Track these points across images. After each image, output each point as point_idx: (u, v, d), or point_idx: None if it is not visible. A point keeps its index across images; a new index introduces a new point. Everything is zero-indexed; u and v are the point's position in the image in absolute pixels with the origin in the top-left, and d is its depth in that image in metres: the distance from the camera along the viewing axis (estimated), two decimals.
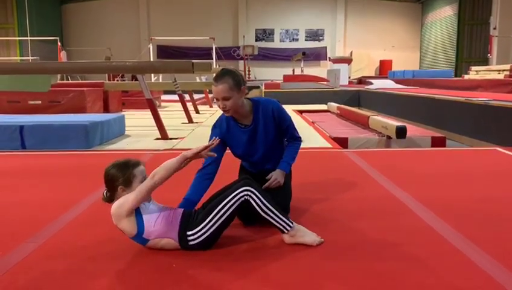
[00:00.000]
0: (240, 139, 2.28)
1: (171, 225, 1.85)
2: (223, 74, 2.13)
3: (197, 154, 1.90)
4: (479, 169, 3.59)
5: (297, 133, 2.42)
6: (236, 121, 2.27)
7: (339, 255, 1.84)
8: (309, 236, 1.94)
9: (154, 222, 1.83)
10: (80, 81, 13.55)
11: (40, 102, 7.75)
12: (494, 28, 18.80)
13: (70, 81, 14.00)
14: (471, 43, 22.53)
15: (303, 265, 1.75)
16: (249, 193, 1.86)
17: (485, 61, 19.93)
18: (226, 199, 1.87)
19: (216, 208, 1.86)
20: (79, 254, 1.88)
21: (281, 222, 1.91)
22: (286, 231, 1.92)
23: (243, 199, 1.86)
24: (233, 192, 1.87)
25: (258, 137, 2.28)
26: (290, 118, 2.38)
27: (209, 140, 2.12)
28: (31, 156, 4.33)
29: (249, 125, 2.27)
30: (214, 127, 2.32)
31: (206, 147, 1.91)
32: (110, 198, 1.86)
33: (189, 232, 1.84)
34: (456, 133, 7.09)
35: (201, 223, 1.85)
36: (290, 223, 1.92)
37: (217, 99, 2.15)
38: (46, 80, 7.22)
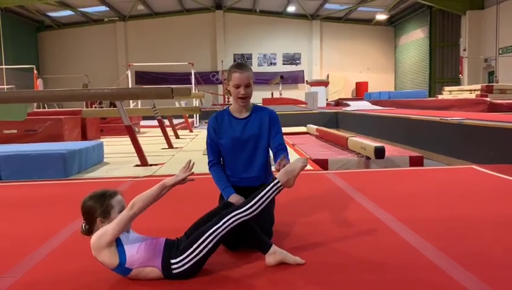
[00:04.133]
0: (233, 129, 2.38)
1: (154, 252, 1.82)
2: (245, 64, 2.37)
3: (177, 184, 1.89)
4: (457, 187, 3.66)
5: (285, 144, 2.48)
6: (232, 115, 2.42)
7: (324, 279, 1.84)
8: (297, 164, 2.01)
9: (136, 250, 1.80)
10: (57, 109, 13.38)
11: (15, 131, 7.60)
12: (464, 50, 19.50)
13: (47, 109, 13.82)
14: (443, 64, 23.26)
15: (289, 285, 1.75)
16: (234, 219, 1.87)
17: (457, 82, 20.58)
18: (213, 227, 1.86)
19: (202, 236, 1.84)
20: (58, 287, 1.83)
21: (273, 191, 1.98)
22: (281, 185, 1.98)
23: (230, 227, 1.86)
24: (220, 220, 1.87)
25: (251, 130, 2.37)
26: (281, 131, 2.50)
27: (207, 131, 2.44)
28: (6, 187, 4.22)
29: (245, 118, 2.40)
30: (211, 118, 2.45)
31: (185, 177, 1.89)
32: (89, 230, 1.82)
33: (173, 261, 1.81)
34: (432, 152, 7.24)
35: (186, 251, 1.83)
36: (275, 181, 2.00)
37: (237, 87, 2.31)
38: (22, 109, 7.12)
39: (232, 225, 1.87)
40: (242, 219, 1.90)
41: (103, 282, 1.84)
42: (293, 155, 5.96)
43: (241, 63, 2.39)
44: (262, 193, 1.97)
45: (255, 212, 1.94)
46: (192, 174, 1.93)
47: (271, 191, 1.99)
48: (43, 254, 2.23)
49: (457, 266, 1.92)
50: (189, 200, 3.30)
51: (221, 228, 1.86)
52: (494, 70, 17.85)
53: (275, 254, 1.95)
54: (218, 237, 1.85)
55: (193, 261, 1.82)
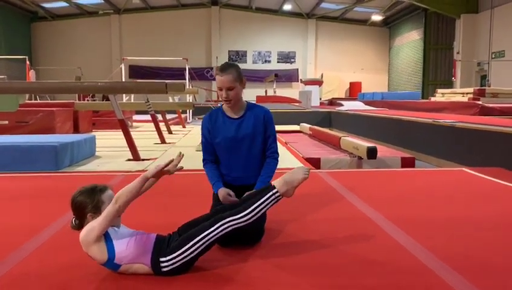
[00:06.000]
0: (227, 129, 2.36)
1: (143, 248, 1.80)
2: (228, 66, 2.30)
3: (160, 172, 1.85)
4: (448, 189, 3.69)
5: (277, 149, 2.48)
6: (226, 115, 2.39)
7: (313, 278, 1.84)
8: (298, 175, 1.97)
9: (125, 246, 1.78)
10: (49, 101, 13.27)
11: (7, 122, 7.53)
12: (458, 53, 19.62)
13: (39, 101, 13.69)
14: (436, 67, 23.40)
15: (280, 284, 1.75)
16: (229, 225, 1.87)
17: (449, 84, 20.70)
18: (206, 230, 1.85)
19: (195, 238, 1.83)
20: (46, 281, 1.81)
21: (270, 201, 1.95)
22: (280, 195, 1.96)
23: (223, 232, 1.86)
24: (214, 224, 1.86)
25: (245, 130, 2.36)
26: (275, 131, 2.48)
27: (201, 130, 2.41)
28: None
29: (239, 117, 2.37)
30: (204, 118, 2.44)
31: (166, 165, 1.86)
32: (79, 225, 1.81)
33: (162, 259, 1.80)
34: (424, 154, 7.29)
35: (177, 250, 1.81)
36: (273, 190, 1.96)
37: (220, 89, 2.28)
38: (14, 100, 7.05)
39: (225, 230, 1.87)
40: (236, 226, 1.89)
41: (94, 276, 1.83)
42: (286, 154, 5.96)
43: (227, 64, 2.32)
44: (260, 202, 1.94)
45: (250, 220, 1.92)
46: (171, 161, 1.88)
47: (269, 201, 1.95)
48: (34, 247, 2.21)
49: (448, 268, 1.93)
50: (182, 195, 3.29)
51: (214, 232, 1.85)
52: (487, 74, 17.98)
53: (288, 188, 1.96)
54: (210, 240, 1.85)
55: (183, 261, 1.81)
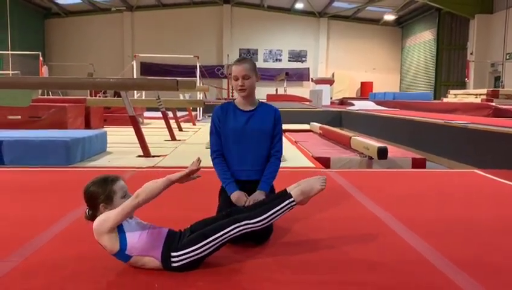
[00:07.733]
0: (237, 120, 2.39)
1: (155, 242, 1.82)
2: (244, 58, 2.45)
3: (183, 179, 1.88)
4: (459, 191, 3.66)
5: (281, 149, 2.50)
6: (238, 108, 2.43)
7: (322, 277, 1.84)
8: (315, 185, 2.02)
9: (137, 238, 1.80)
10: (61, 97, 13.39)
11: (19, 117, 7.61)
12: (471, 54, 19.40)
13: (51, 97, 13.83)
14: (449, 67, 23.17)
15: (287, 283, 1.75)
16: (243, 228, 1.89)
17: (462, 85, 20.49)
18: (220, 231, 1.86)
19: (208, 237, 1.84)
20: (59, 272, 1.83)
21: (285, 209, 1.98)
22: (295, 204, 2.00)
23: (237, 234, 1.88)
24: (228, 226, 1.88)
25: (255, 122, 2.39)
26: (282, 132, 2.53)
27: (211, 120, 2.44)
28: (9, 172, 4.24)
29: (250, 110, 2.42)
30: (216, 108, 2.47)
31: (192, 172, 1.88)
32: (92, 216, 1.83)
33: (173, 253, 1.81)
34: (435, 155, 7.23)
35: (189, 247, 1.82)
36: (290, 199, 1.99)
37: (236, 79, 2.33)
38: (27, 95, 7.14)
39: (239, 233, 1.90)
40: (250, 229, 1.92)
41: (104, 268, 1.85)
42: (296, 153, 5.95)
43: (243, 57, 2.44)
44: (276, 209, 1.97)
45: (264, 225, 1.96)
46: (199, 170, 1.90)
47: (284, 209, 1.99)
48: (45, 240, 2.24)
49: (457, 269, 1.92)
50: (192, 193, 3.30)
51: (228, 234, 1.87)
52: (501, 75, 17.77)
53: (304, 199, 2.02)
54: (223, 241, 1.87)
55: (194, 258, 1.82)
